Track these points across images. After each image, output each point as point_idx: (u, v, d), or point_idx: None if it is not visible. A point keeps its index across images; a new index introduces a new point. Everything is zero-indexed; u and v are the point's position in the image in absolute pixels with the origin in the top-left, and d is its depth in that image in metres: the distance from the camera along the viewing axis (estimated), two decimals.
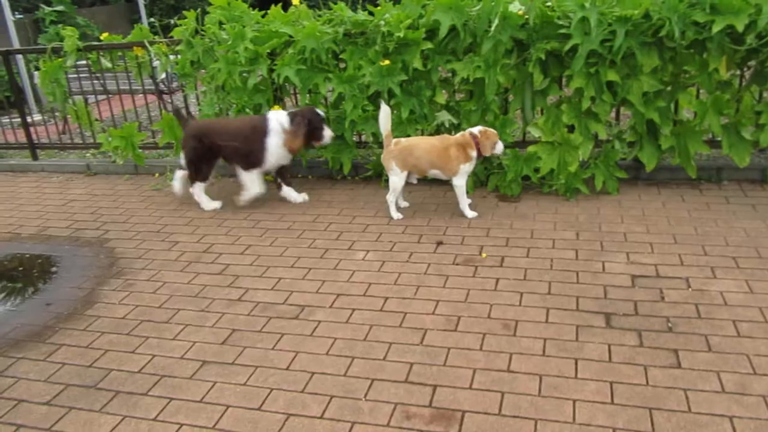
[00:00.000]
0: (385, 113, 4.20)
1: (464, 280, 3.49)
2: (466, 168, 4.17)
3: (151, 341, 3.14)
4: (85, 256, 4.17)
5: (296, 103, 5.29)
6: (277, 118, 4.59)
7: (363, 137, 5.24)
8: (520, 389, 2.58)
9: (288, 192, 4.89)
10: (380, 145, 5.11)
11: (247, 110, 5.04)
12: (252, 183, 4.73)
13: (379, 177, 5.11)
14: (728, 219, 3.99)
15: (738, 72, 4.34)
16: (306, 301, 3.39)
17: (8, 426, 2.60)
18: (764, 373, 2.56)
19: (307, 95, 5.00)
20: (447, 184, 4.39)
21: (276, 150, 4.60)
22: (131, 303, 3.52)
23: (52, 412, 2.67)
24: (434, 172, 4.26)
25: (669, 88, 4.31)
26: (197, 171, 4.76)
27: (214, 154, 4.70)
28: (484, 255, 3.74)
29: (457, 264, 3.67)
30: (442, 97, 4.67)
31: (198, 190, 4.82)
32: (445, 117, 4.64)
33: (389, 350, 2.91)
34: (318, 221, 4.46)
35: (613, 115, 4.78)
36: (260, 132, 4.58)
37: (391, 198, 4.36)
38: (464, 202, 4.29)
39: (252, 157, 4.63)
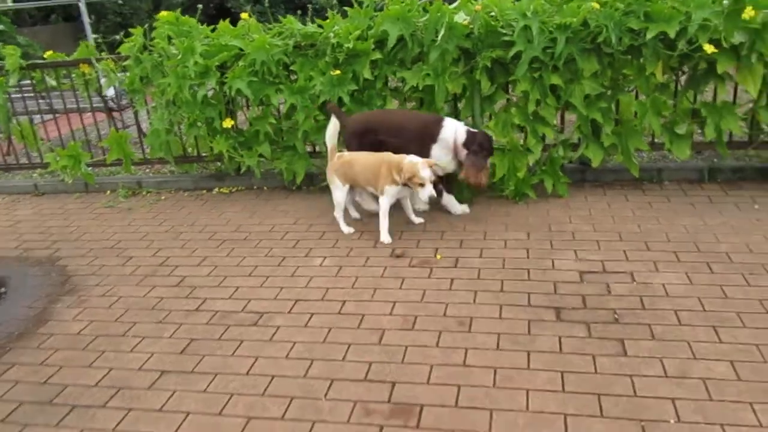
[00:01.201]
0: (333, 126, 4.26)
1: (420, 281, 3.56)
2: (392, 191, 4.01)
3: (108, 355, 3.11)
4: (36, 275, 4.09)
5: (248, 115, 5.31)
6: (455, 127, 4.21)
7: (316, 147, 5.29)
8: (475, 382, 2.66)
9: (449, 201, 4.46)
10: None
11: (199, 124, 5.04)
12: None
13: None
14: (669, 217, 4.18)
15: (673, 76, 4.57)
16: (264, 308, 3.41)
17: None
18: (703, 358, 2.70)
19: (259, 107, 5.03)
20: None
21: (439, 161, 4.20)
22: (86, 319, 3.47)
23: (7, 429, 2.62)
24: (370, 189, 4.24)
25: (609, 92, 4.51)
26: None
27: (373, 149, 4.25)
28: (438, 257, 3.83)
29: (412, 266, 3.75)
30: (392, 106, 4.76)
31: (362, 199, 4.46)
32: None
33: (348, 351, 2.96)
34: (274, 231, 4.48)
35: (558, 121, 4.96)
36: (429, 134, 4.23)
37: (338, 214, 4.35)
38: (384, 225, 4.10)
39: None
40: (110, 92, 6.23)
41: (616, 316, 3.07)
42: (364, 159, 4.19)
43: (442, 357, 2.85)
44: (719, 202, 4.36)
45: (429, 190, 3.89)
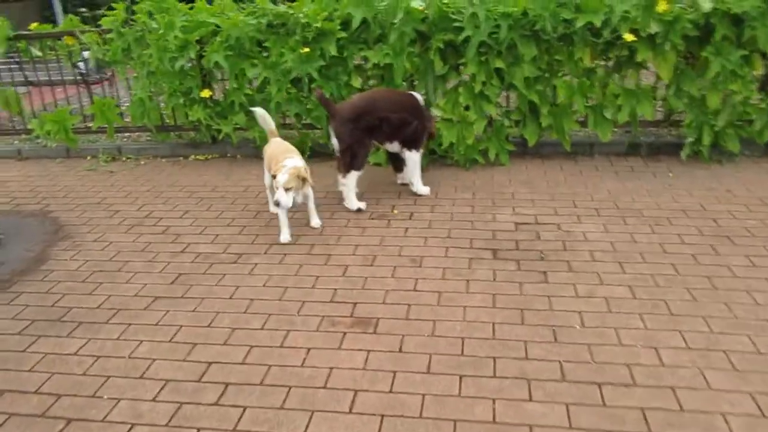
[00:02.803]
0: (261, 116, 4.39)
1: (379, 230, 4.11)
2: (279, 178, 3.82)
3: (105, 285, 3.57)
4: (31, 225, 4.50)
5: (224, 87, 5.76)
6: (420, 97, 4.67)
7: (287, 119, 5.77)
8: (423, 302, 3.22)
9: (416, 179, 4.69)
10: (304, 126, 5.68)
11: (177, 94, 5.47)
12: (417, 166, 4.59)
13: (302, 154, 5.64)
14: (596, 182, 4.82)
15: (602, 62, 5.20)
16: (243, 250, 3.91)
17: None
18: (608, 284, 3.32)
19: (235, 79, 5.48)
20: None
21: None
22: (82, 258, 3.91)
23: (24, 339, 3.08)
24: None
25: (546, 75, 5.12)
26: (354, 158, 4.35)
27: (373, 132, 4.40)
28: (395, 211, 4.38)
29: (372, 218, 4.30)
30: (357, 81, 5.28)
31: (352, 181, 4.40)
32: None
33: (317, 281, 3.49)
34: (248, 191, 4.97)
35: (504, 98, 5.54)
36: (418, 107, 4.58)
37: (272, 207, 4.32)
38: (282, 220, 4.02)
39: (419, 134, 4.54)
40: (83, 64, 6.53)
41: (542, 255, 3.67)
42: (276, 146, 4.24)
43: (396, 285, 3.40)
44: (639, 171, 5.02)
45: (279, 195, 3.79)
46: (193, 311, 3.25)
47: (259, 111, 4.43)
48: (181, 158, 5.93)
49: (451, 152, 5.27)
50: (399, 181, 4.89)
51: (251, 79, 5.43)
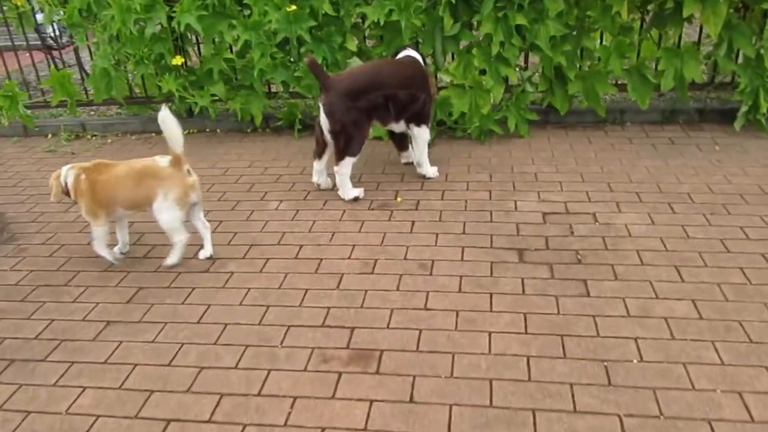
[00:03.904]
0: (166, 125, 3.01)
1: (380, 224, 3.45)
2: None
3: (49, 306, 2.93)
4: None
5: (199, 52, 5.01)
6: (419, 58, 3.92)
7: (273, 87, 5.04)
8: (437, 325, 2.58)
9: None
10: (291, 95, 4.96)
11: (146, 62, 4.73)
12: (425, 140, 3.90)
13: (291, 128, 4.95)
14: (631, 158, 4.13)
15: (638, 16, 4.45)
16: (217, 254, 3.26)
17: None
18: (665, 297, 2.68)
19: (211, 44, 4.74)
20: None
21: None
22: (25, 269, 3.26)
23: None
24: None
25: (574, 33, 4.37)
26: (348, 142, 3.63)
27: (375, 113, 3.69)
28: (399, 200, 3.72)
29: (372, 209, 3.63)
30: (352, 44, 4.54)
31: (347, 168, 3.68)
32: (357, 64, 4.53)
33: (305, 297, 2.84)
34: (228, 174, 4.29)
35: (522, 61, 4.81)
36: (422, 72, 3.82)
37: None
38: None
39: (427, 107, 3.83)
40: (48, 27, 5.80)
41: (578, 256, 3.02)
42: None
43: (402, 301, 2.76)
44: (681, 144, 4.33)
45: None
46: (152, 342, 2.62)
47: (163, 115, 2.99)
48: (154, 134, 5.22)
49: (462, 123, 4.57)
50: (403, 161, 4.20)
51: (230, 43, 4.69)
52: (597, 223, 3.32)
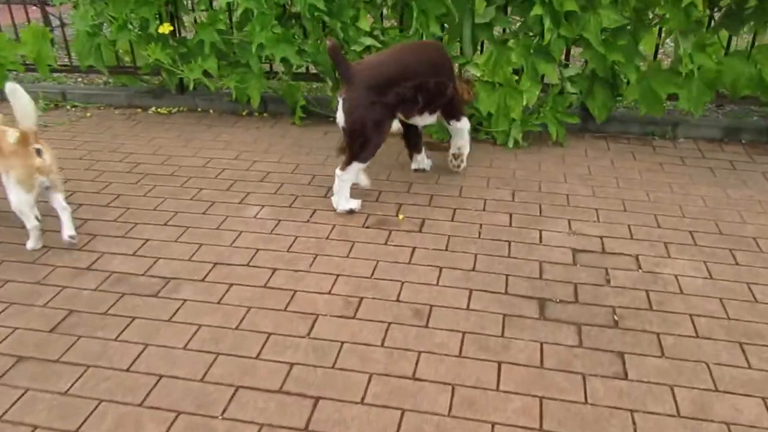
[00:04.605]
0: (15, 97, 2.64)
1: (374, 248, 2.85)
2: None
3: None
4: None
5: (195, 21, 4.41)
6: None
7: (273, 66, 4.42)
8: (425, 405, 1.99)
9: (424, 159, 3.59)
10: (295, 76, 4.34)
11: (129, 26, 4.13)
12: (468, 130, 3.44)
13: (293, 113, 4.34)
14: (684, 184, 3.47)
15: (708, 11, 3.73)
16: (174, 272, 2.69)
17: None
18: (727, 390, 2.05)
19: (206, 10, 4.13)
20: None
21: None
22: None
23: None
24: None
25: (629, 27, 3.68)
26: (364, 145, 3.05)
27: (401, 107, 3.13)
28: (401, 217, 3.11)
29: (367, 227, 3.03)
30: (365, 22, 3.89)
31: (352, 175, 3.13)
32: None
33: (266, 344, 2.27)
34: (209, 167, 3.71)
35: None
36: (448, 56, 3.33)
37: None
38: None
39: (456, 97, 3.31)
40: None
41: (615, 317, 2.40)
42: None
43: (386, 363, 2.17)
44: (744, 170, 3.64)
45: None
46: (65, 394, 2.06)
47: (12, 87, 2.62)
48: (139, 110, 4.65)
49: (487, 125, 3.92)
50: (414, 166, 3.59)
51: (225, 10, 4.08)
52: (640, 271, 2.68)
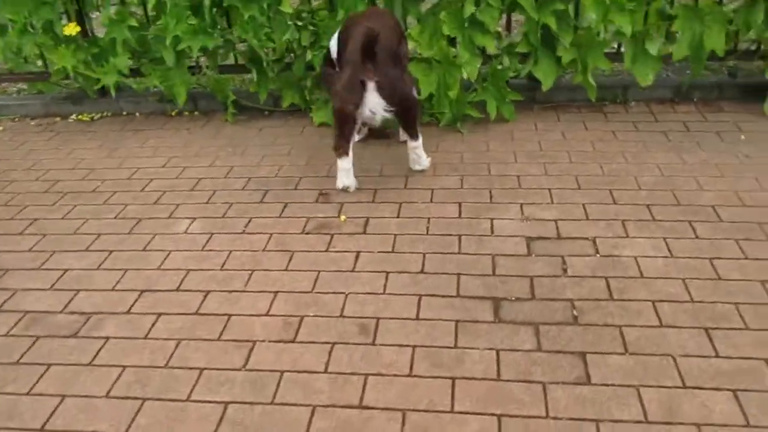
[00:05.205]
0: None
1: (315, 257, 2.64)
2: None
3: None
4: None
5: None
6: None
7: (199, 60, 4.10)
8: None
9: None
10: (218, 70, 4.04)
11: (30, 30, 3.77)
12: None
13: (225, 109, 4.05)
14: (638, 152, 3.32)
15: None
16: (95, 306, 2.44)
17: None
18: (695, 386, 1.91)
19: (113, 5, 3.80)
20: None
21: None
22: None
23: None
24: None
25: None
26: (417, 104, 3.18)
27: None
28: (343, 218, 2.89)
29: (307, 233, 2.81)
30: (288, 5, 3.61)
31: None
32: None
33: (198, 381, 2.05)
34: (135, 177, 3.42)
35: (503, 27, 3.92)
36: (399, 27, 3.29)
37: None
38: None
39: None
40: None
41: (574, 312, 2.24)
42: None
43: (330, 392, 1.97)
44: (698, 130, 3.51)
45: None
46: None
47: None
48: (58, 119, 4.30)
49: (428, 106, 3.71)
50: (402, 138, 3.34)
51: (138, 4, 3.75)
52: (598, 255, 2.52)
